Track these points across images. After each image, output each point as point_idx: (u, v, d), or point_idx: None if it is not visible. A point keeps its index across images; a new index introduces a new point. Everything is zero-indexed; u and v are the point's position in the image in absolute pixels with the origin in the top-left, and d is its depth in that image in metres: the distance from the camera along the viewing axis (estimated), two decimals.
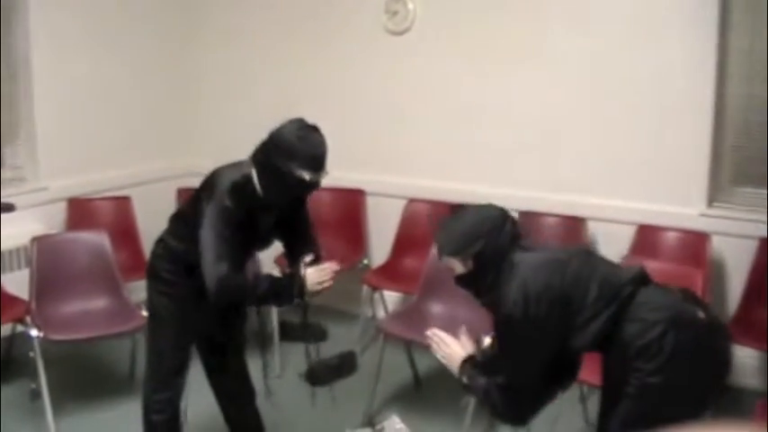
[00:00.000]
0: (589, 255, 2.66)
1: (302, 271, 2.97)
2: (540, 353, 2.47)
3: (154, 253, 3.22)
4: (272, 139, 2.88)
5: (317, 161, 2.84)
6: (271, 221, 3.11)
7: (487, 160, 4.96)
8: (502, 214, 2.60)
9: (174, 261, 3.12)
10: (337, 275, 3.05)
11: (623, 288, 2.46)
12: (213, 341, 3.36)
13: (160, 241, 3.20)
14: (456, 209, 2.69)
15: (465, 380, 2.65)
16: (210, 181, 3.00)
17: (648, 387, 2.36)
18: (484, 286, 2.56)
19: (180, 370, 3.22)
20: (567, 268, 2.48)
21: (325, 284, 3.00)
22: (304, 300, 3.01)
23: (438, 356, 2.76)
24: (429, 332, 2.79)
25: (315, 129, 2.89)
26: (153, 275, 3.18)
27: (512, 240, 2.55)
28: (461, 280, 2.62)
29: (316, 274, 2.98)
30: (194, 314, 3.14)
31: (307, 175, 2.82)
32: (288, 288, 2.96)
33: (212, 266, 2.84)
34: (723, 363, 2.51)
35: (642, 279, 2.51)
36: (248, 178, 2.94)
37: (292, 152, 2.81)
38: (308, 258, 3.04)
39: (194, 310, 3.11)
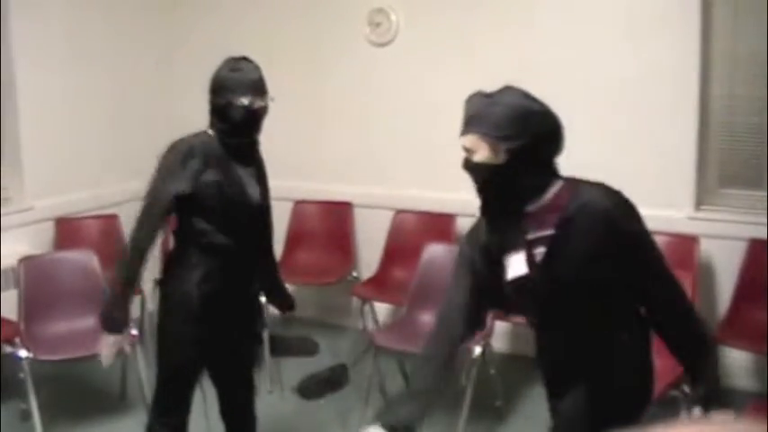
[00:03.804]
0: None
1: None
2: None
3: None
4: (211, 85, 2.98)
5: (255, 86, 2.94)
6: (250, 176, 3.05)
7: None
8: (558, 123, 2.20)
9: (178, 266, 3.05)
10: None
11: None
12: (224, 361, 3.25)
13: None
14: (504, 88, 2.19)
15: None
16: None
17: None
18: (519, 188, 2.23)
19: (187, 391, 3.10)
20: None
21: None
22: None
23: None
24: None
25: (245, 59, 2.99)
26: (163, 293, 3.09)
27: (552, 156, 2.24)
28: (478, 169, 2.25)
29: None
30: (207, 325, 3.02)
31: (247, 101, 2.90)
32: None
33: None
34: None
35: None
36: (202, 134, 3.04)
37: (229, 84, 2.92)
38: None
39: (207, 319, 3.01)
